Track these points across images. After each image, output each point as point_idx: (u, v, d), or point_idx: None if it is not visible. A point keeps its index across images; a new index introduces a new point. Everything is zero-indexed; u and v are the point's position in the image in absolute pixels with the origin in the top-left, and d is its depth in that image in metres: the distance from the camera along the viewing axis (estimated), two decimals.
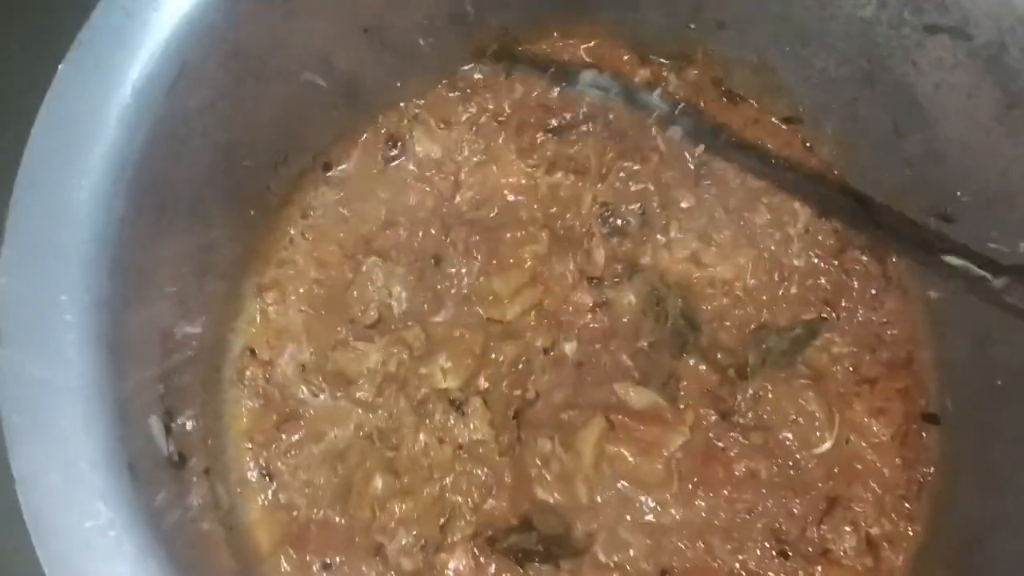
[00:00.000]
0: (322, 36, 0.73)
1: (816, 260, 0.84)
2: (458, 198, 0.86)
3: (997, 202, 0.71)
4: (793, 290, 0.84)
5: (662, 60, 0.88)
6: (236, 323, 0.82)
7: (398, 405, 0.78)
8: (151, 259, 0.63)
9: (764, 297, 0.83)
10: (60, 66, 0.56)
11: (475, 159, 0.86)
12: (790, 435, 0.80)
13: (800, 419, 0.81)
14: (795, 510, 0.78)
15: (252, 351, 0.82)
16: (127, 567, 0.52)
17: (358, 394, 0.79)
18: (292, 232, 0.85)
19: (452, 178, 0.86)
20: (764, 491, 0.78)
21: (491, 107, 0.88)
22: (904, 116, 0.76)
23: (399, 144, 0.87)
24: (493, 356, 0.80)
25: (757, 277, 0.83)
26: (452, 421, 0.77)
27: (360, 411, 0.79)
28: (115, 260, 0.57)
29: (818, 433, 0.80)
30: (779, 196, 0.84)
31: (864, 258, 0.84)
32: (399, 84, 0.87)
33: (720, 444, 0.79)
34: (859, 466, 0.80)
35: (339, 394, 0.79)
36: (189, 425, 0.70)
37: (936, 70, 0.71)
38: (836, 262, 0.84)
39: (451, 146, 0.87)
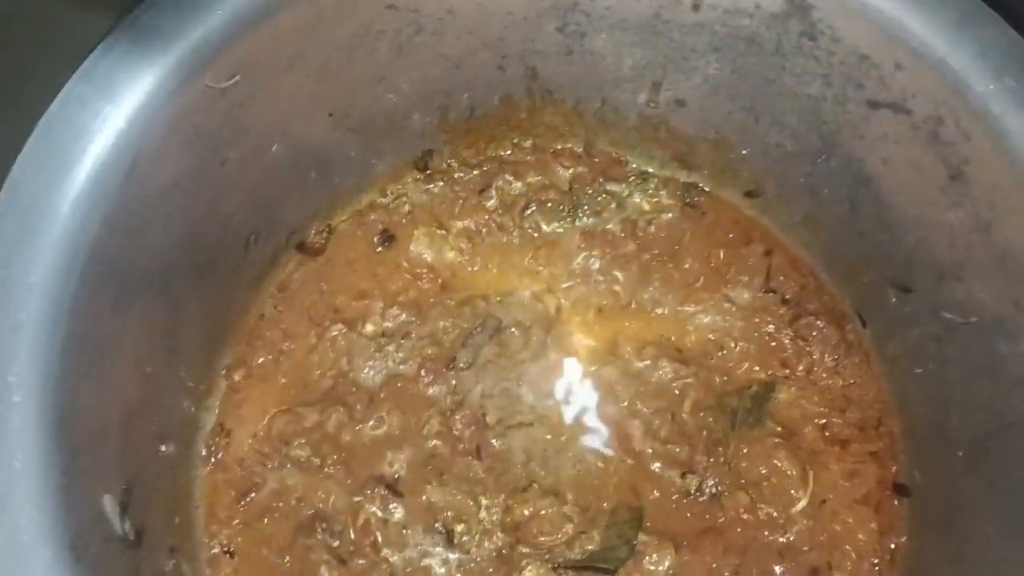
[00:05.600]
0: (285, 120, 0.76)
1: (768, 327, 0.86)
2: (449, 301, 0.88)
3: (948, 273, 0.72)
4: (744, 358, 0.86)
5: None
6: (208, 400, 0.83)
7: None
8: (110, 337, 0.64)
9: (716, 374, 0.85)
10: (19, 156, 0.59)
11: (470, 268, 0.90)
12: (768, 494, 0.81)
13: (774, 478, 0.81)
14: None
15: (222, 427, 0.83)
16: None
17: (294, 453, 0.81)
18: (265, 308, 0.87)
19: (440, 280, 0.89)
20: (751, 555, 0.79)
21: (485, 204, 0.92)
22: (857, 189, 0.78)
23: (393, 238, 0.90)
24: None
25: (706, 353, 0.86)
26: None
27: (303, 478, 0.81)
28: (69, 337, 0.58)
29: (793, 491, 0.81)
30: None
31: (820, 323, 0.85)
32: (371, 164, 0.89)
33: (708, 516, 0.80)
34: (838, 527, 0.80)
35: (280, 459, 0.81)
36: (153, 502, 0.70)
37: (883, 144, 0.73)
38: (790, 330, 0.85)
39: (446, 251, 0.90)
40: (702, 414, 0.83)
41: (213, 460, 0.82)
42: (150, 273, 0.69)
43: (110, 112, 0.60)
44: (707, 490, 0.81)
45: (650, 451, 0.82)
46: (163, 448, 0.76)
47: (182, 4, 0.64)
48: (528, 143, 0.93)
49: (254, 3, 0.64)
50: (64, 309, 0.58)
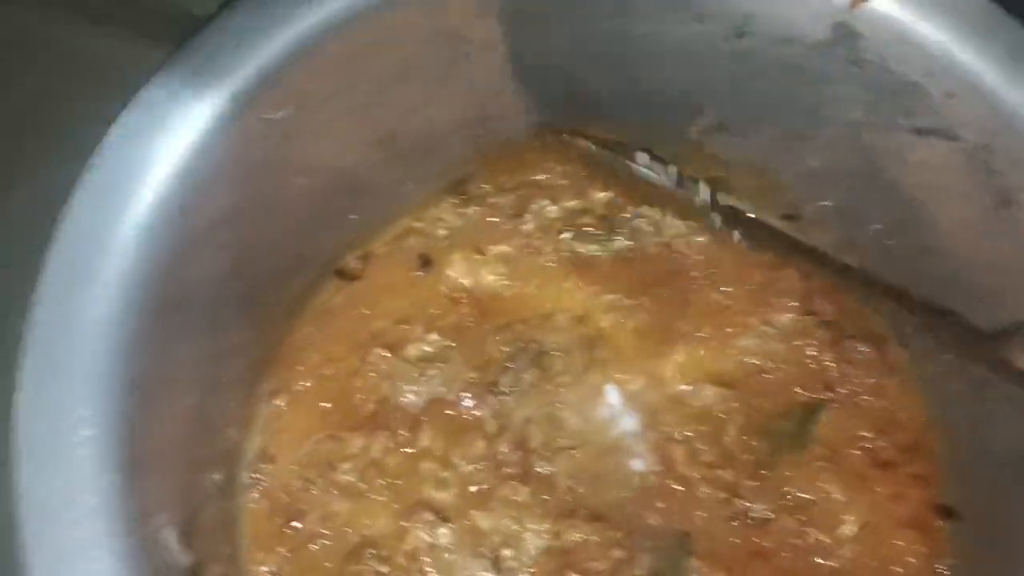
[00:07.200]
0: (332, 149, 0.76)
1: (810, 350, 0.86)
2: (488, 326, 0.88)
3: (988, 298, 0.72)
4: (786, 382, 0.85)
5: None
6: (251, 429, 0.83)
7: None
8: (168, 371, 0.64)
9: (759, 398, 0.85)
10: (74, 191, 0.59)
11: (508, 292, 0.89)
12: (815, 517, 0.81)
13: (820, 501, 0.81)
14: None
15: (264, 453, 0.83)
16: None
17: (339, 477, 0.81)
18: (306, 334, 0.87)
19: (479, 305, 0.89)
20: None
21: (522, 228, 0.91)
22: (899, 213, 0.78)
23: (431, 263, 0.90)
24: None
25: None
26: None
27: (349, 504, 0.80)
28: (132, 374, 0.59)
29: (839, 515, 0.81)
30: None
31: (860, 345, 0.85)
32: (408, 190, 0.89)
33: (756, 540, 0.80)
34: (886, 551, 0.80)
35: (326, 484, 0.81)
36: (206, 534, 0.70)
37: (925, 170, 0.73)
38: (831, 352, 0.86)
39: (484, 275, 0.90)
40: (746, 438, 0.83)
41: (258, 487, 0.82)
42: (199, 306, 0.69)
43: (166, 146, 0.61)
44: (753, 515, 0.81)
45: (696, 476, 0.82)
46: (215, 477, 0.76)
47: (233, 36, 0.64)
48: (563, 168, 0.93)
49: (304, 34, 0.64)
50: (127, 347, 0.58)
